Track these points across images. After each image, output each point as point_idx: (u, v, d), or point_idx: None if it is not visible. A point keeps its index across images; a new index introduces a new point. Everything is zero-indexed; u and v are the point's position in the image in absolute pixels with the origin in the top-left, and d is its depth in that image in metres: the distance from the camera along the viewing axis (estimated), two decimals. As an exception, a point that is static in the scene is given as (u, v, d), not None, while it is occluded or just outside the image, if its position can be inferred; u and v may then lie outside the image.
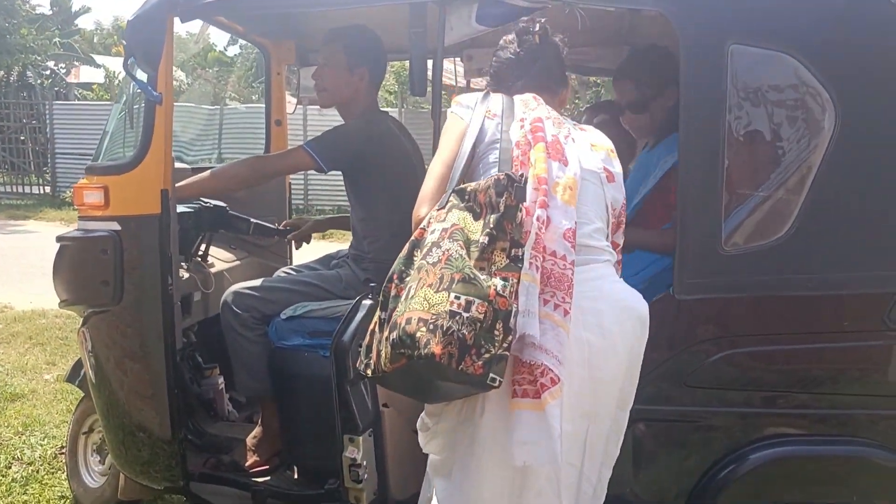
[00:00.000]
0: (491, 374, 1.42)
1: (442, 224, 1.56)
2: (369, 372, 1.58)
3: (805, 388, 2.09)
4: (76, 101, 14.88)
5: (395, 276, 1.55)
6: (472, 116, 1.83)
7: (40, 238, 10.11)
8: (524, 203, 1.58)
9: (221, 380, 3.09)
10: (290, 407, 2.62)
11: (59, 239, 2.47)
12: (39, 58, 17.64)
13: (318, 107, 2.87)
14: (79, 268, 2.44)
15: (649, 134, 2.54)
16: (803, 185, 2.01)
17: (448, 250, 1.49)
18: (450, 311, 1.41)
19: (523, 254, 1.52)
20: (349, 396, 1.80)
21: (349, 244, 2.89)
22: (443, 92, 2.09)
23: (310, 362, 2.51)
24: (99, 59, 23.52)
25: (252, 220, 3.00)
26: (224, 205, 2.88)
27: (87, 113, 14.46)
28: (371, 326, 1.61)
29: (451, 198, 1.62)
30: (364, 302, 1.88)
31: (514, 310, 1.47)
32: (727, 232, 2.02)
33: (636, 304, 1.77)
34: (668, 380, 2.08)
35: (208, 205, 2.81)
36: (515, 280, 1.48)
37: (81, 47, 22.99)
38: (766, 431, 2.11)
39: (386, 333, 1.50)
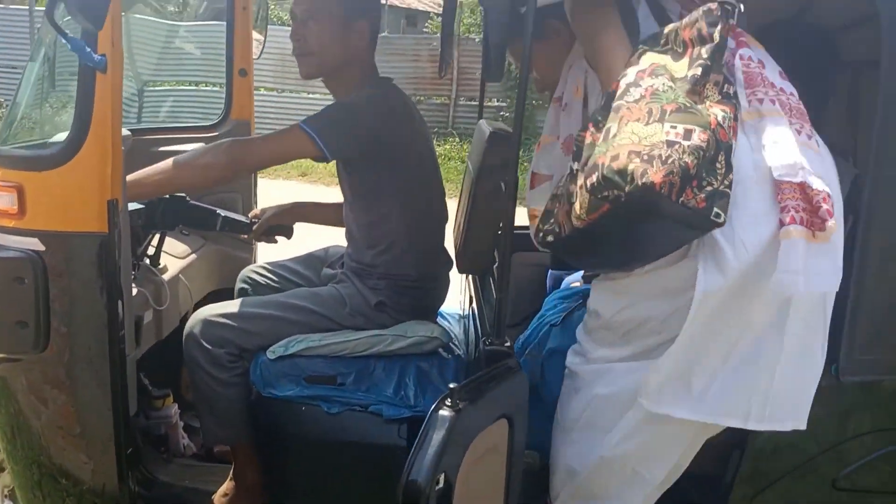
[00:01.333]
0: (715, 209, 1.30)
1: (637, 67, 1.42)
2: (550, 239, 1.49)
3: None
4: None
5: (590, 125, 1.44)
6: None
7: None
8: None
9: (176, 409, 2.44)
10: (280, 469, 2.02)
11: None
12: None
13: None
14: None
15: None
16: None
17: (652, 85, 1.36)
18: (667, 140, 1.28)
19: (736, 91, 1.39)
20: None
21: (346, 252, 2.24)
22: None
23: (309, 419, 1.91)
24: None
25: (220, 211, 2.27)
26: (183, 195, 2.16)
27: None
28: (553, 191, 1.54)
29: (641, 46, 1.47)
30: (440, 413, 1.23)
31: (733, 144, 1.34)
32: None
33: None
34: (812, 477, 1.59)
35: (164, 196, 2.09)
36: (732, 114, 1.35)
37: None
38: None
39: (581, 181, 1.37)
